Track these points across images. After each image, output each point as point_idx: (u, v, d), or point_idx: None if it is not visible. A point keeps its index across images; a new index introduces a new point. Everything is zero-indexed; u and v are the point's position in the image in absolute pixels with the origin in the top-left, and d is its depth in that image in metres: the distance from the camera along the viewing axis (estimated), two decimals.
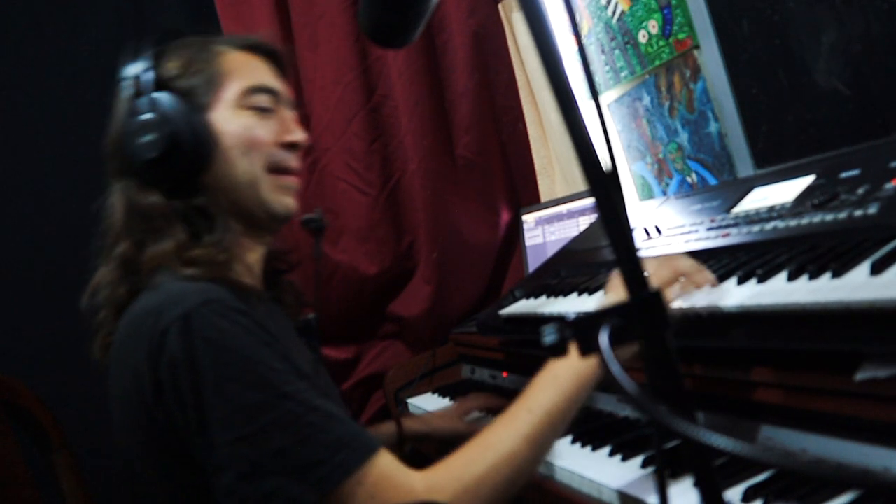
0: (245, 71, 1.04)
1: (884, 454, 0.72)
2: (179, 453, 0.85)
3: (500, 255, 2.05)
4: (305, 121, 2.00)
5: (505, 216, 2.06)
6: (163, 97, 0.97)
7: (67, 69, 1.99)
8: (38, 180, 1.99)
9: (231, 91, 1.01)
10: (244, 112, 1.02)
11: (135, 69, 0.99)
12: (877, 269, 0.74)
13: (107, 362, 0.96)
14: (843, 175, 1.02)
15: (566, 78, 0.50)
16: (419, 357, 1.85)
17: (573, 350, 0.88)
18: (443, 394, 1.68)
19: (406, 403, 1.75)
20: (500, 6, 2.04)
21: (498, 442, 0.87)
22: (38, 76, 2.00)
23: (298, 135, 1.07)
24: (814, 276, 0.80)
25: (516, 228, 2.04)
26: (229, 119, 1.00)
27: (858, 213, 0.90)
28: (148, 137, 0.95)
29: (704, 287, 0.91)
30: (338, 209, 1.98)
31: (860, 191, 0.95)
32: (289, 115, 1.09)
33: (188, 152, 0.96)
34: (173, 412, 0.82)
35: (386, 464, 0.83)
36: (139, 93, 0.98)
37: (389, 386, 1.81)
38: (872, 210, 0.89)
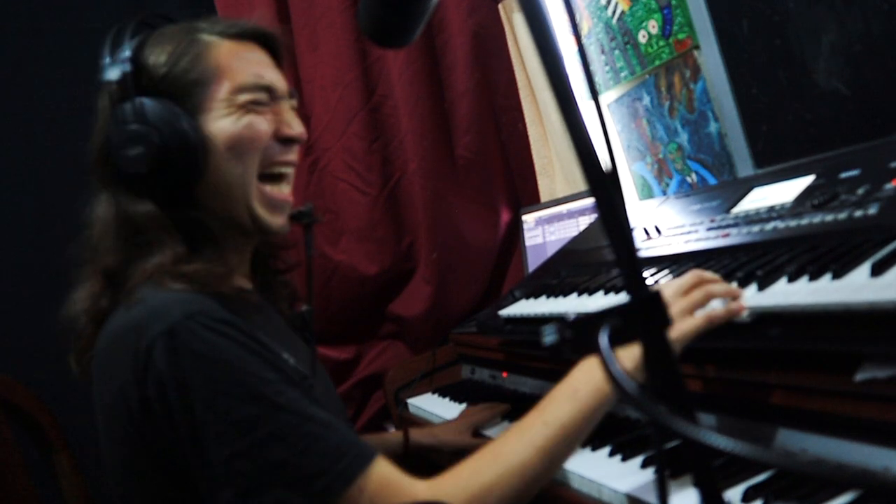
0: (238, 65, 0.95)
1: (884, 454, 0.72)
2: (167, 471, 0.82)
3: (500, 255, 2.05)
4: (305, 121, 1.99)
5: (505, 216, 2.06)
6: (149, 104, 0.90)
7: (67, 69, 1.99)
8: (38, 180, 1.99)
9: (223, 90, 0.93)
10: (238, 111, 0.94)
11: (116, 70, 0.91)
12: (877, 271, 0.74)
13: (84, 376, 0.93)
14: (843, 175, 1.02)
15: (566, 78, 0.50)
16: (419, 357, 1.85)
17: (593, 363, 0.86)
18: (443, 394, 1.68)
19: (406, 403, 1.75)
20: (500, 6, 2.04)
21: (510, 452, 0.84)
22: (38, 75, 2.00)
23: (296, 128, 0.99)
24: (814, 277, 0.80)
25: (516, 228, 2.04)
26: (223, 120, 0.93)
27: (858, 213, 0.90)
28: (135, 151, 0.88)
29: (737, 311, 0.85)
30: (338, 209, 1.98)
31: (860, 191, 0.95)
32: (286, 106, 1.00)
33: (179, 164, 0.90)
34: (163, 430, 0.80)
35: (386, 470, 0.82)
36: (123, 96, 0.91)
37: (389, 386, 1.80)
38: (872, 210, 0.89)
